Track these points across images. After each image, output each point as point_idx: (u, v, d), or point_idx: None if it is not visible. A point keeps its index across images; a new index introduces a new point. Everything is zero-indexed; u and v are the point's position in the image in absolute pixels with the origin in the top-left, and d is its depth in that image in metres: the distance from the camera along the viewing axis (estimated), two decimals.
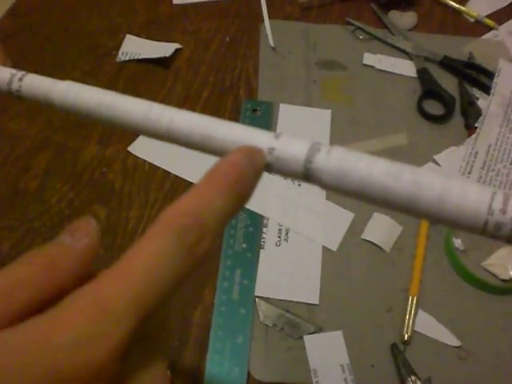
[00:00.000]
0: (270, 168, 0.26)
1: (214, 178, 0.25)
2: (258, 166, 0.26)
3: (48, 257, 0.23)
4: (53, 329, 0.20)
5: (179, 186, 0.63)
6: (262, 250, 0.58)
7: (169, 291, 0.22)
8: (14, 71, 0.33)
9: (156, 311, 0.22)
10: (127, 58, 0.77)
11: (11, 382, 0.19)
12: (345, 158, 0.24)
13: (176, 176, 0.64)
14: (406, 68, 0.77)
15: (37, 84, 0.32)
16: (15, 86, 0.32)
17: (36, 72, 0.34)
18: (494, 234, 0.22)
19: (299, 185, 0.63)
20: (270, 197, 0.62)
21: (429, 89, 0.73)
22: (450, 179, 0.23)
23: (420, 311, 0.55)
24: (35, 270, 0.22)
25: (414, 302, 0.55)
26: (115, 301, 0.21)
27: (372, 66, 0.77)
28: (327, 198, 0.62)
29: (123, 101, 0.29)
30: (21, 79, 0.32)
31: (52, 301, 0.22)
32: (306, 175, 0.25)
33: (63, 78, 0.32)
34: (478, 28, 0.84)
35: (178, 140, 0.28)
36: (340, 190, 0.24)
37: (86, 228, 0.24)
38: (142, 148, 0.66)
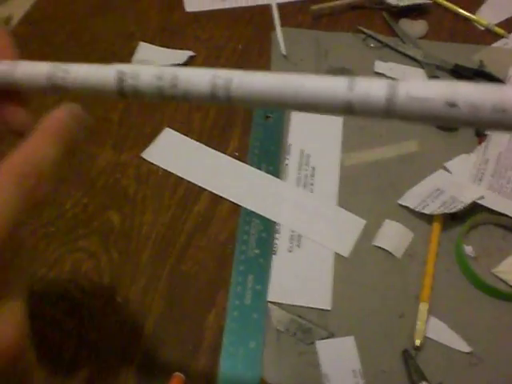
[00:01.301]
0: (351, 108, 0.26)
1: (45, 132, 0.30)
2: (79, 119, 0.32)
3: None
4: None
5: (192, 191, 0.64)
6: (274, 255, 0.59)
7: (12, 227, 0.26)
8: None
9: (2, 246, 0.26)
10: None
11: None
12: (423, 84, 0.25)
13: (189, 182, 0.64)
14: (417, 76, 0.77)
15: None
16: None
17: None
18: None
19: (311, 191, 0.63)
20: (282, 203, 0.62)
21: None
22: None
23: (431, 317, 0.55)
24: None
25: (426, 308, 0.55)
26: None
27: (383, 74, 0.77)
28: (339, 205, 0.62)
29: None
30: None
31: None
32: (388, 109, 0.26)
33: None
34: (488, 36, 0.84)
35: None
36: (423, 117, 0.25)
37: None
38: (156, 154, 0.67)
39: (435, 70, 0.78)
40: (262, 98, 0.28)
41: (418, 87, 0.25)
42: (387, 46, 0.81)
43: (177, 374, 0.50)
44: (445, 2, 0.89)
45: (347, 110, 0.27)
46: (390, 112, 0.26)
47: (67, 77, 0.32)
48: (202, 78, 0.29)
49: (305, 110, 0.28)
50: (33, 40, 0.82)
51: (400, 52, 0.80)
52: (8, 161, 0.28)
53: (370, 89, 0.26)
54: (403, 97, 0.25)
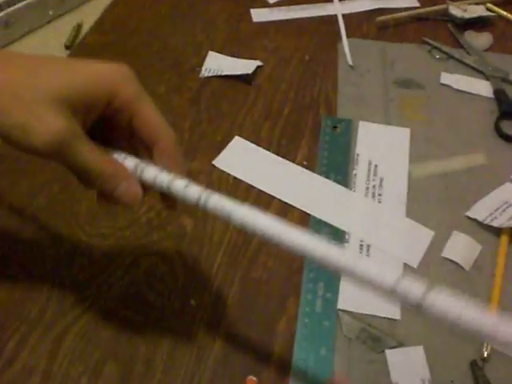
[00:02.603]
0: (392, 296, 0.35)
1: None
2: None
3: None
4: None
5: (262, 199, 0.65)
6: None
7: None
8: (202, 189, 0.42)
9: None
10: (210, 74, 0.80)
11: None
12: (448, 301, 0.32)
13: (259, 190, 0.66)
14: (483, 88, 0.78)
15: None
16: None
17: None
18: None
19: (379, 202, 0.64)
20: (351, 212, 0.63)
21: (506, 110, 0.74)
22: None
23: None
24: None
25: None
26: None
27: (449, 86, 0.78)
28: (407, 216, 0.63)
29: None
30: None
31: None
32: (420, 307, 0.33)
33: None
34: None
35: None
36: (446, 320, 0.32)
37: None
38: (226, 162, 0.69)
39: (501, 83, 0.78)
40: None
41: (442, 300, 0.32)
42: (453, 57, 0.82)
43: (250, 377, 0.52)
44: (509, 15, 0.89)
45: (389, 296, 0.35)
46: (419, 310, 0.33)
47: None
48: None
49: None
50: (104, 48, 0.85)
51: (465, 64, 0.81)
52: None
53: (409, 289, 0.33)
54: (427, 305, 0.32)
